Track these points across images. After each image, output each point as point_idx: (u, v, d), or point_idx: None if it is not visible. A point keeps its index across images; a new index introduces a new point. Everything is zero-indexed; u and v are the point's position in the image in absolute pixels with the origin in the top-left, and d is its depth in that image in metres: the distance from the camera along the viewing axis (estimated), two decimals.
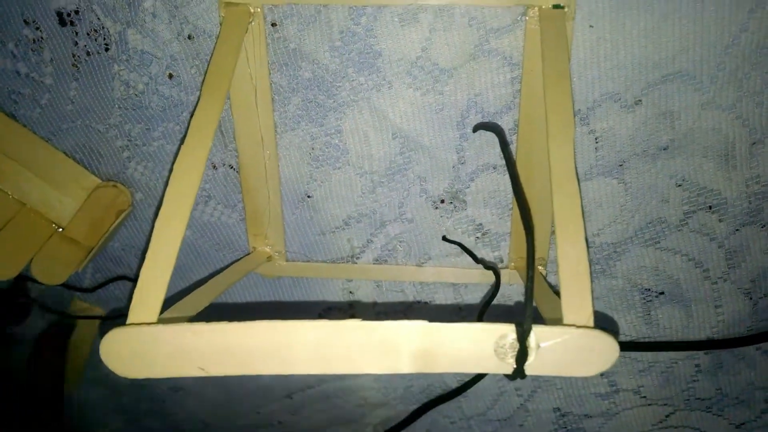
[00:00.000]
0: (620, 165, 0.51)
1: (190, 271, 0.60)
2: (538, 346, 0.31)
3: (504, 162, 0.50)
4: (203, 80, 0.43)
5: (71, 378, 0.68)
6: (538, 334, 0.31)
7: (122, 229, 0.59)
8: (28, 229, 0.55)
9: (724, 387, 0.59)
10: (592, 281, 0.53)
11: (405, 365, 0.32)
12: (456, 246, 0.55)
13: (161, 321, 0.32)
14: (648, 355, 0.58)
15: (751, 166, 0.50)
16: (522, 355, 0.31)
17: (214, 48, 0.44)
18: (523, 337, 0.31)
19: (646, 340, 0.57)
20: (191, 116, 0.41)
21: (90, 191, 0.55)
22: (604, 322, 0.57)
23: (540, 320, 0.37)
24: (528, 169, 0.50)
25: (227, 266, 0.55)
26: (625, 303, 0.56)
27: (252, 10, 0.47)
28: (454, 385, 0.62)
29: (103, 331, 0.65)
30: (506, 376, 0.32)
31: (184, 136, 0.39)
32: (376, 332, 0.31)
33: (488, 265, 0.55)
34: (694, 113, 0.48)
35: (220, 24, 0.48)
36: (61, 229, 0.55)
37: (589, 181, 0.52)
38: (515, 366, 0.31)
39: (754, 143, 0.49)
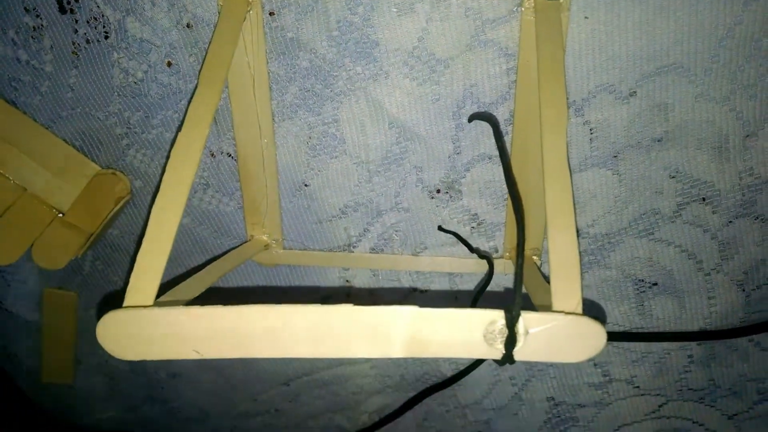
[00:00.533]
0: (614, 156, 0.51)
1: (188, 259, 0.61)
2: (527, 332, 0.31)
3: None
4: (200, 69, 0.43)
5: (64, 369, 0.68)
6: (526, 320, 0.31)
7: (121, 216, 0.59)
8: (29, 214, 0.56)
9: (716, 378, 0.59)
10: (582, 269, 0.54)
11: (396, 350, 0.32)
12: (452, 236, 0.56)
13: (157, 304, 0.33)
14: (641, 346, 0.59)
15: (745, 159, 0.50)
16: (511, 341, 0.31)
17: (212, 37, 0.45)
18: (511, 322, 0.31)
19: (640, 330, 0.58)
20: (188, 101, 0.41)
21: (90, 178, 0.56)
22: (595, 312, 0.57)
23: (531, 308, 0.38)
24: (523, 160, 0.51)
25: (225, 253, 0.56)
26: (618, 293, 0.56)
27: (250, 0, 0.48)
28: (450, 373, 0.63)
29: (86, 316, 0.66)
30: (495, 361, 0.32)
31: (181, 124, 0.40)
32: (368, 317, 0.32)
33: (482, 255, 0.55)
34: (688, 105, 0.49)
35: (218, 13, 0.48)
36: (61, 215, 0.56)
37: (583, 172, 0.52)
38: (504, 351, 0.32)
39: (748, 136, 0.49)
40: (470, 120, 0.51)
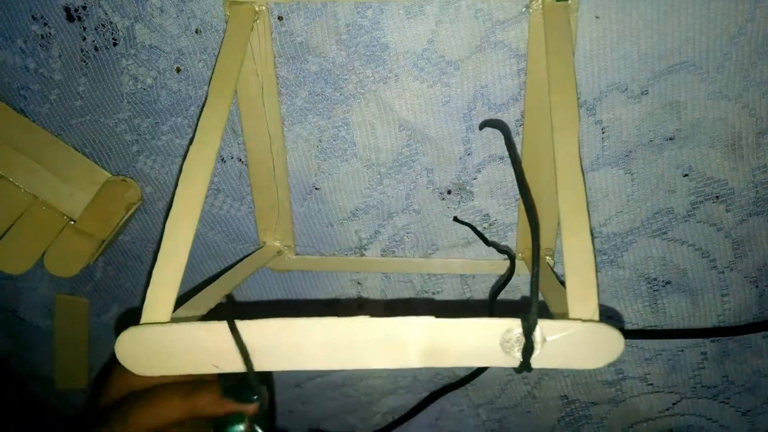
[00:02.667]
0: (627, 155, 0.51)
1: (200, 264, 0.61)
2: (544, 340, 0.31)
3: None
4: (210, 79, 0.43)
5: (77, 374, 0.68)
6: (543, 328, 0.31)
7: (132, 223, 0.59)
8: (41, 222, 0.56)
9: (730, 375, 0.59)
10: (597, 274, 0.54)
11: (413, 360, 0.32)
12: (463, 237, 0.56)
13: (174, 320, 0.33)
14: (654, 343, 0.59)
15: (758, 156, 0.50)
16: (528, 349, 0.31)
17: (221, 47, 0.44)
18: (528, 331, 0.31)
19: (653, 328, 0.58)
20: (199, 114, 0.41)
21: (100, 185, 0.56)
22: (610, 314, 0.57)
23: (547, 312, 0.38)
24: (534, 160, 0.50)
25: (239, 260, 0.56)
26: (631, 292, 0.56)
27: (257, 9, 0.47)
28: (463, 374, 0.62)
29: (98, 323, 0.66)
30: (513, 369, 0.32)
31: (193, 135, 0.40)
32: (384, 328, 0.32)
33: (501, 249, 0.55)
34: (701, 103, 0.48)
35: (226, 23, 0.48)
36: (72, 222, 0.56)
37: (595, 172, 0.52)
38: (521, 359, 0.32)
39: (761, 133, 0.49)
40: (481, 127, 0.51)
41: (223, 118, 0.41)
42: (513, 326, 0.31)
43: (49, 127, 0.56)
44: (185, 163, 0.38)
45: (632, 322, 0.58)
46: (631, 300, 0.57)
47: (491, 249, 0.55)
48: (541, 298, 0.45)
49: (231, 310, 0.32)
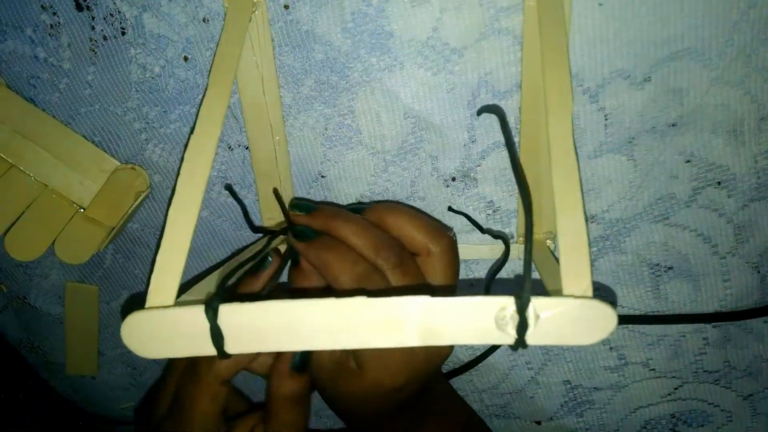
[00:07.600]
0: (629, 141, 0.51)
1: (208, 251, 0.61)
2: (538, 317, 0.32)
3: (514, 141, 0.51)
4: (210, 71, 0.43)
5: (88, 361, 0.69)
6: (536, 304, 0.32)
7: (141, 210, 0.60)
8: (51, 210, 0.57)
9: (732, 359, 0.59)
10: (596, 254, 0.54)
11: (411, 339, 0.33)
12: (467, 223, 0.56)
13: (178, 304, 0.33)
14: (656, 329, 0.59)
15: (760, 142, 0.50)
16: (522, 326, 0.32)
17: (219, 38, 0.45)
18: (522, 308, 0.32)
19: (655, 313, 0.58)
20: (200, 104, 0.41)
21: (109, 173, 0.57)
22: (607, 295, 0.58)
23: (544, 292, 0.38)
24: (533, 145, 0.51)
25: (244, 246, 0.57)
26: (633, 278, 0.57)
27: (255, 0, 0.48)
28: (467, 359, 0.63)
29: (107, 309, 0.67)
30: (509, 346, 0.33)
31: (194, 125, 0.40)
32: (381, 308, 0.32)
33: (496, 235, 0.56)
34: (703, 90, 0.49)
35: (224, 15, 0.48)
36: (82, 210, 0.57)
37: (598, 158, 0.52)
38: (516, 336, 0.32)
39: (762, 118, 0.49)
40: (479, 113, 0.51)
41: (224, 108, 0.41)
42: (507, 304, 0.32)
43: (59, 115, 0.56)
44: (186, 152, 0.39)
45: (634, 307, 0.58)
46: (633, 285, 0.57)
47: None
48: (539, 277, 0.46)
49: (221, 293, 0.33)
